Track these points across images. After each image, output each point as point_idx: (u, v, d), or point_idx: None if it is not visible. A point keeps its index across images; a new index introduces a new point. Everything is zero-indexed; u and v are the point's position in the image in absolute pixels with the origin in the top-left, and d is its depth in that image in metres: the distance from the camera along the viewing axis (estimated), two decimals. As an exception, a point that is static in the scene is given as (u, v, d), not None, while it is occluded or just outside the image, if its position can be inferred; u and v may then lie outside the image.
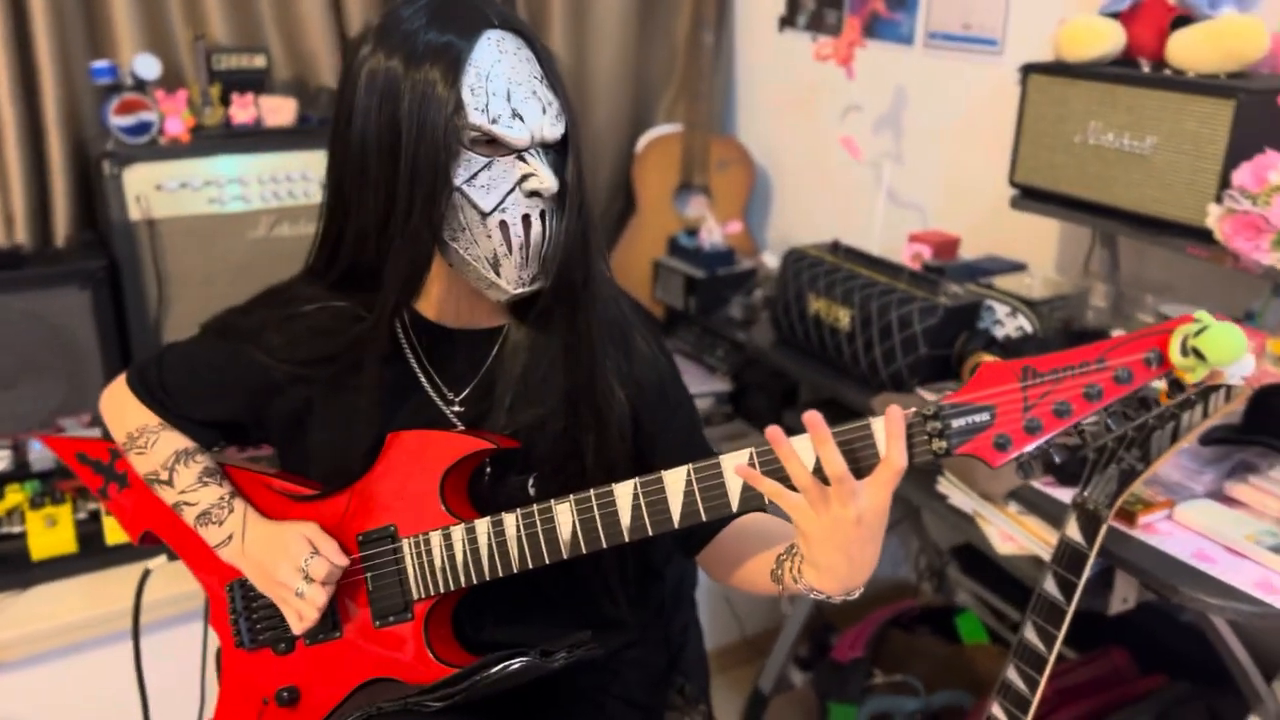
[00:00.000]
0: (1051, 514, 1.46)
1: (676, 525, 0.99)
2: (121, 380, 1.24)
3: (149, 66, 1.97)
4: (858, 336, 1.78)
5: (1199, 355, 0.83)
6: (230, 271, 2.04)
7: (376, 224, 1.03)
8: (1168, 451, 1.23)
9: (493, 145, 1.00)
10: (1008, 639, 2.11)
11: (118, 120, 1.94)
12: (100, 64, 1.94)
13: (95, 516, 1.81)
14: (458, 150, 0.99)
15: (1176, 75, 1.56)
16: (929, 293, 1.73)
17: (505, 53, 1.01)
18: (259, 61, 2.14)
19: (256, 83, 2.14)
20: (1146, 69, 1.62)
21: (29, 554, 1.75)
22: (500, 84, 0.99)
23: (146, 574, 1.30)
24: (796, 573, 0.99)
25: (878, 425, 0.92)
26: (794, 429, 0.95)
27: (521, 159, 1.01)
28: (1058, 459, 0.91)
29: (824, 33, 2.45)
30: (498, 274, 1.04)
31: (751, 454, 0.96)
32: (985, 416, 0.90)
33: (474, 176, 1.00)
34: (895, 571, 2.62)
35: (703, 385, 2.26)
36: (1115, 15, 1.66)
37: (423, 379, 1.14)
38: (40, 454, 1.89)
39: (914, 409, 0.93)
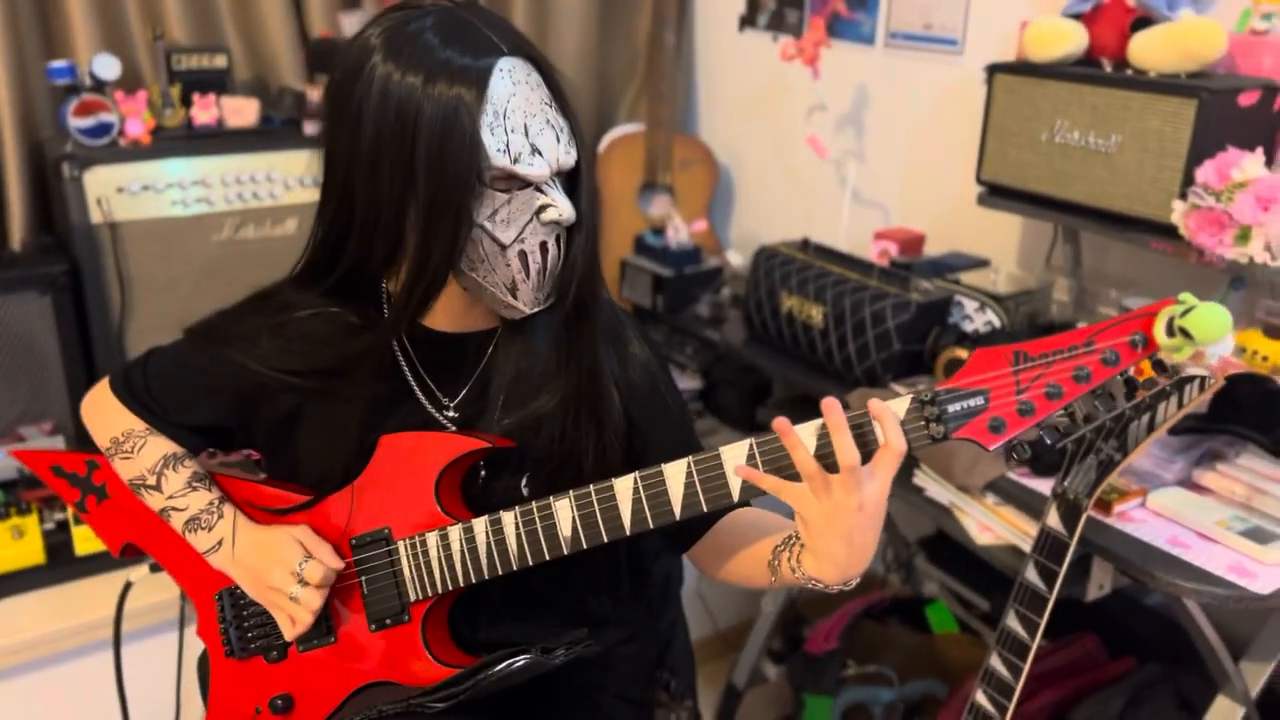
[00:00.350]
0: (1028, 504, 1.49)
1: (678, 517, 0.99)
2: (104, 385, 1.21)
3: (108, 67, 1.93)
4: (831, 333, 1.80)
5: (1186, 334, 0.86)
6: (194, 275, 2.01)
7: (385, 245, 1.02)
8: (1145, 441, 1.27)
9: (512, 180, 1.00)
10: (977, 628, 2.15)
11: (77, 122, 1.90)
12: (58, 64, 1.90)
13: (63, 527, 1.77)
14: (480, 190, 0.99)
15: (1139, 75, 1.60)
16: (900, 289, 1.76)
17: (518, 84, 0.99)
18: (220, 61, 2.11)
19: (218, 83, 2.11)
20: (1109, 69, 1.66)
21: (-5, 566, 1.71)
22: (517, 119, 0.98)
23: (128, 586, 1.28)
24: (795, 562, 1.00)
25: (875, 412, 0.93)
26: (765, 426, 0.97)
27: (539, 190, 1.01)
28: (1049, 440, 0.94)
29: (785, 32, 2.48)
30: (515, 297, 1.04)
31: (752, 445, 0.98)
32: (980, 401, 0.93)
33: (494, 213, 1.00)
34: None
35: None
36: (1077, 16, 1.70)
37: (415, 386, 1.14)
38: (4, 464, 1.85)
39: (911, 395, 0.95)
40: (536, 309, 1.06)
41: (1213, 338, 0.87)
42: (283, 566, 1.08)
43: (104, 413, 1.20)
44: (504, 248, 1.02)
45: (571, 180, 1.05)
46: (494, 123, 0.97)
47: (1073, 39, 1.67)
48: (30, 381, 1.90)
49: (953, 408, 0.93)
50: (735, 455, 0.99)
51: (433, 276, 1.02)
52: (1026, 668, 1.34)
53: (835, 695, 2.03)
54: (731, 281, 2.38)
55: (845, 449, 0.91)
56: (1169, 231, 1.54)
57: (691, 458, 0.99)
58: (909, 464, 1.66)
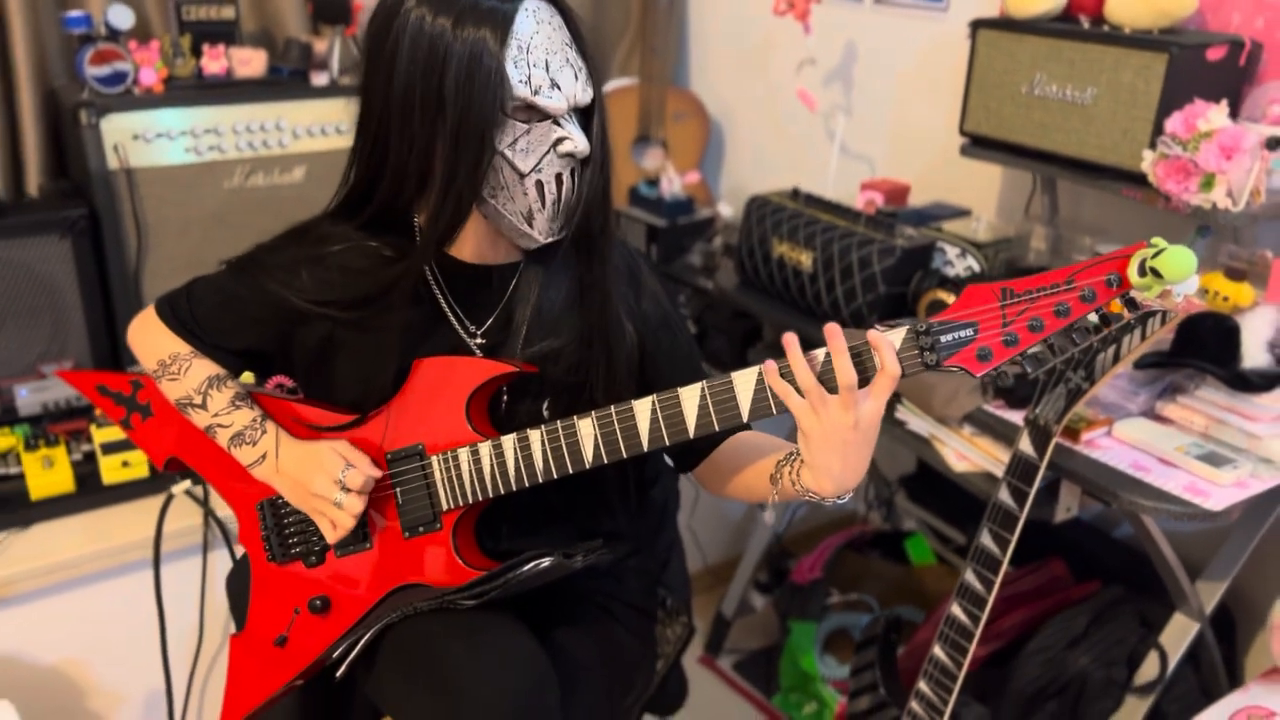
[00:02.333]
0: (1001, 434, 1.60)
1: (692, 435, 1.09)
2: (150, 311, 1.29)
3: (122, 16, 1.98)
4: (820, 277, 1.90)
5: (1156, 274, 0.96)
6: (207, 220, 2.08)
7: (416, 178, 1.11)
8: (1110, 371, 1.38)
9: (531, 111, 1.08)
10: (953, 560, 2.27)
11: (93, 70, 1.95)
12: (75, 14, 1.95)
13: (90, 458, 1.85)
14: (502, 120, 1.07)
15: (1115, 31, 1.69)
16: (885, 236, 1.85)
17: (541, 23, 1.07)
18: (228, 13, 2.16)
19: (226, 34, 2.16)
20: (1086, 25, 1.75)
21: (28, 494, 1.79)
22: (539, 55, 1.07)
23: (170, 498, 1.37)
24: (795, 476, 1.10)
25: (874, 339, 1.03)
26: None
27: (557, 123, 1.09)
28: (1029, 369, 1.04)
29: (776, -12, 2.54)
30: (530, 226, 1.13)
31: (759, 371, 1.07)
32: (969, 332, 1.02)
33: (514, 141, 1.08)
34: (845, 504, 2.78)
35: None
36: (1057, -26, 1.79)
37: (448, 311, 1.23)
38: (26, 399, 1.93)
39: (908, 326, 1.05)
40: (550, 239, 1.15)
41: (1179, 277, 0.97)
42: (325, 475, 1.17)
43: (151, 337, 1.28)
44: (522, 176, 1.10)
45: (587, 118, 1.13)
46: (518, 56, 1.06)
47: (1052, -4, 1.76)
48: (51, 321, 1.96)
49: (945, 338, 1.03)
50: (746, 380, 1.08)
51: (458, 200, 1.10)
52: (998, 581, 1.46)
53: (819, 621, 2.15)
54: (723, 231, 2.47)
55: (844, 370, 1.01)
56: (1139, 180, 1.63)
57: (705, 382, 1.09)
58: (891, 400, 1.77)
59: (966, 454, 1.64)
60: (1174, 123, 1.57)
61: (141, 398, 1.32)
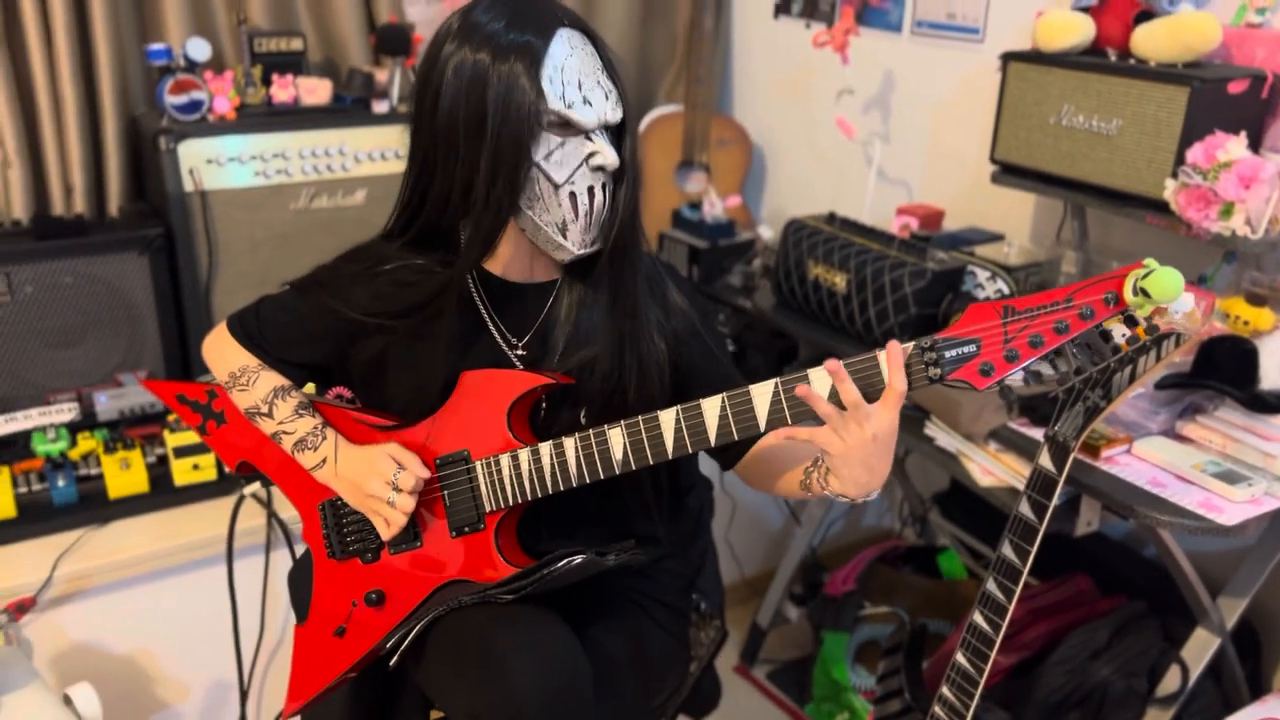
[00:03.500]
0: (1025, 450, 1.66)
1: (713, 444, 1.17)
2: (222, 327, 1.41)
3: (200, 49, 2.12)
4: (853, 298, 1.98)
5: (1145, 294, 1.03)
6: (274, 239, 2.21)
7: (460, 191, 1.21)
8: (1126, 390, 1.43)
9: (565, 127, 1.18)
10: (983, 575, 2.32)
11: (172, 99, 2.09)
12: (156, 47, 2.09)
13: (163, 461, 1.98)
14: (538, 131, 1.17)
15: (1140, 65, 1.76)
16: (917, 259, 1.93)
17: (575, 48, 1.18)
18: (296, 45, 2.30)
19: (294, 64, 2.29)
20: (1113, 58, 1.82)
21: (107, 493, 1.92)
22: (572, 75, 1.17)
23: (241, 499, 1.48)
24: (824, 481, 1.19)
25: (882, 357, 1.11)
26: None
27: (589, 139, 1.19)
28: (1031, 383, 1.11)
29: (817, 19, 2.64)
30: (565, 237, 1.22)
31: (777, 384, 1.15)
32: (972, 348, 1.10)
33: (550, 154, 1.18)
34: (880, 521, 2.84)
35: (707, 347, 2.45)
36: (1086, 9, 1.86)
37: (490, 326, 1.32)
38: (105, 405, 2.06)
39: (914, 342, 1.12)
40: (584, 250, 1.24)
41: (1167, 297, 1.04)
42: (379, 477, 1.27)
43: (222, 351, 1.40)
44: (557, 187, 1.19)
45: (618, 137, 1.23)
46: (553, 75, 1.16)
47: (1080, 30, 1.83)
48: (128, 333, 2.10)
49: (949, 353, 1.10)
50: (763, 392, 1.16)
51: (498, 207, 1.20)
52: (1018, 590, 1.52)
53: (851, 632, 2.21)
54: (762, 253, 2.55)
55: (848, 392, 1.10)
56: (1162, 207, 1.69)
57: (725, 394, 1.17)
58: (921, 416, 1.84)
59: (992, 469, 1.70)
60: (1194, 153, 1.63)
61: (216, 406, 1.44)
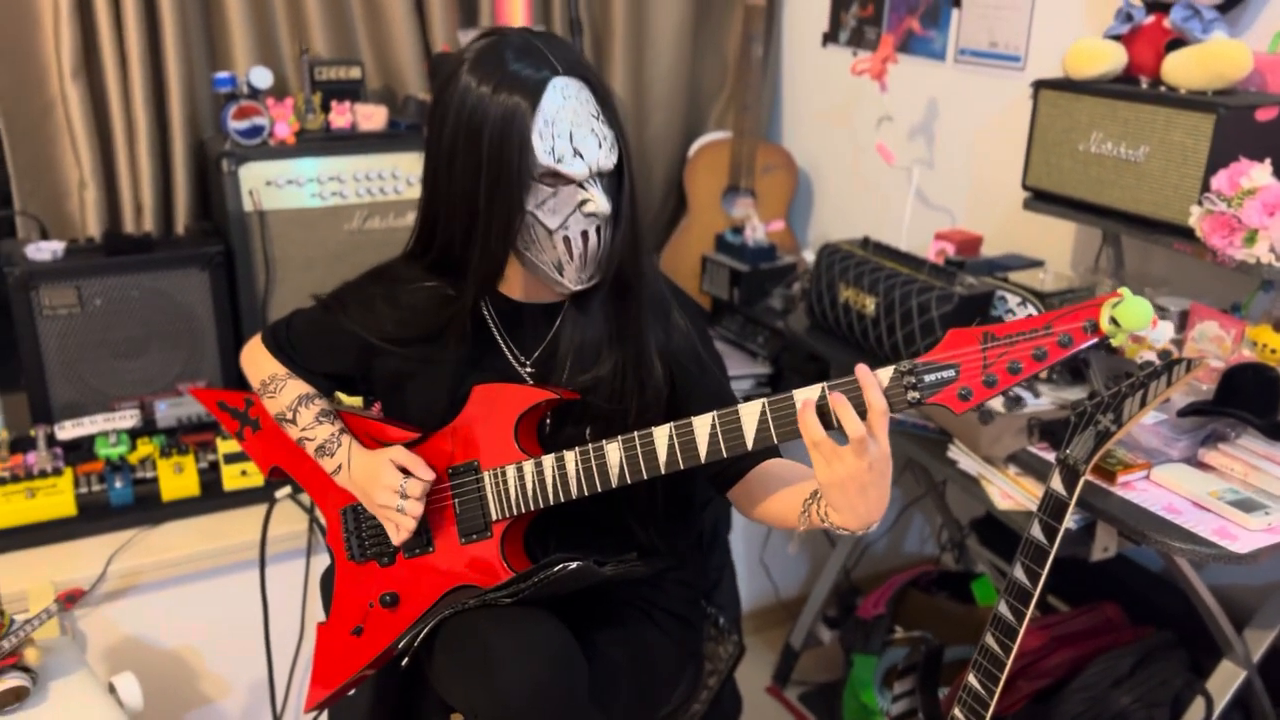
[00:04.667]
0: (1044, 474, 1.66)
1: (703, 460, 1.21)
2: (258, 338, 1.51)
3: (262, 77, 2.24)
4: (882, 321, 2.00)
5: (1115, 323, 1.05)
6: (328, 258, 2.31)
7: (462, 233, 1.28)
8: (1137, 415, 1.44)
9: (557, 177, 1.23)
10: (1020, 604, 2.30)
11: (235, 124, 2.21)
12: (222, 75, 2.22)
13: (214, 466, 2.08)
14: (529, 184, 1.23)
15: (1170, 92, 1.76)
16: (946, 283, 1.94)
17: (568, 98, 1.22)
18: (355, 73, 2.41)
19: (352, 92, 2.40)
20: (1145, 86, 1.82)
21: (160, 496, 2.03)
22: (564, 127, 1.22)
23: (274, 502, 1.56)
24: (823, 513, 1.20)
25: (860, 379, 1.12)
26: (825, 409, 1.14)
27: (581, 187, 1.24)
28: (1007, 409, 1.12)
29: (864, 48, 2.67)
30: (561, 275, 1.28)
31: (764, 404, 1.17)
32: (951, 373, 1.11)
33: (543, 203, 1.24)
34: (922, 548, 2.83)
35: (744, 369, 2.49)
36: (1118, 37, 1.87)
37: (501, 343, 1.39)
38: (164, 413, 2.18)
39: (894, 366, 1.14)
40: (580, 287, 1.30)
41: (1134, 326, 1.05)
42: (385, 488, 1.34)
43: (256, 360, 1.50)
44: (551, 232, 1.25)
45: (616, 181, 1.28)
46: (543, 129, 1.21)
47: (1110, 58, 1.84)
48: (188, 345, 2.22)
49: (928, 378, 1.11)
50: (750, 412, 1.19)
51: (493, 253, 1.26)
52: (1028, 613, 1.52)
53: (880, 655, 2.21)
54: (803, 277, 2.58)
55: (852, 425, 1.10)
56: (1189, 234, 1.69)
57: (716, 412, 1.20)
58: (944, 439, 1.85)
59: (1011, 493, 1.71)
60: (1219, 180, 1.63)
61: (252, 413, 1.53)
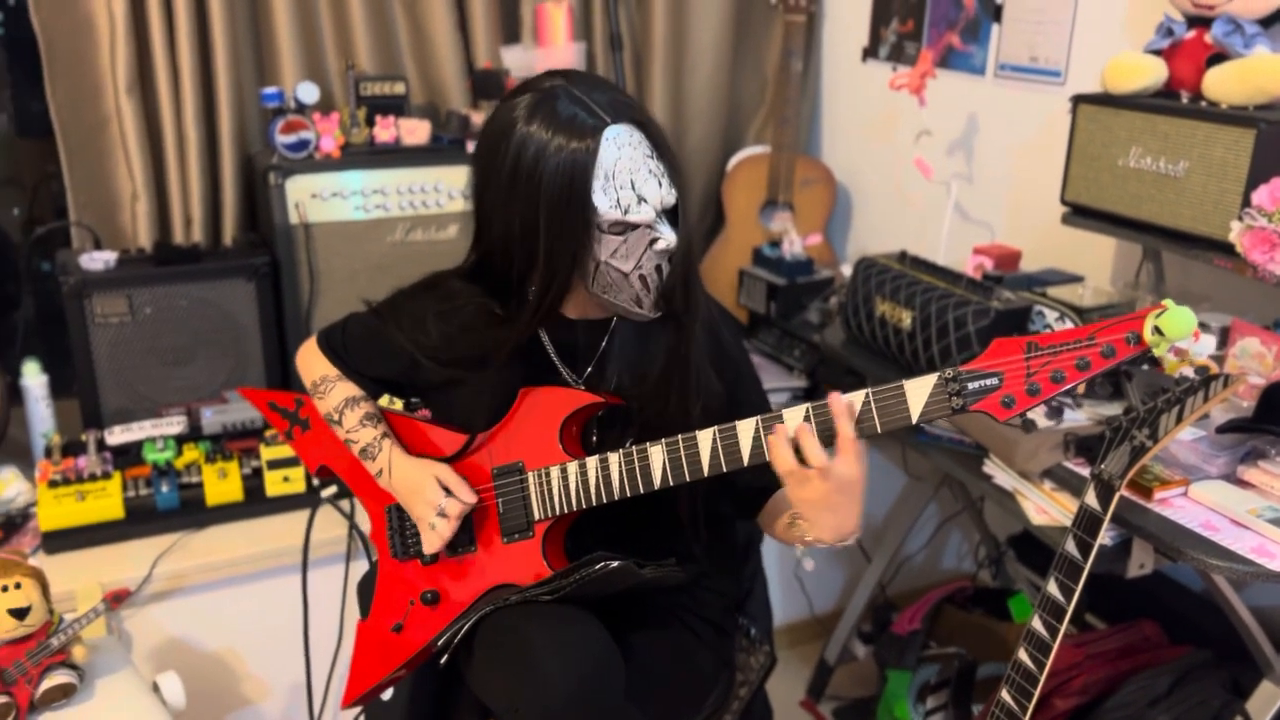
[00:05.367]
0: (1079, 489, 1.64)
1: (746, 463, 1.23)
2: (313, 340, 1.56)
3: (309, 92, 2.29)
4: (918, 335, 2.00)
5: (1159, 333, 1.05)
6: (371, 270, 2.35)
7: (518, 272, 1.31)
8: (1173, 431, 1.43)
9: (626, 225, 1.26)
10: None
11: (282, 138, 2.26)
12: (270, 90, 2.27)
13: (257, 472, 2.12)
14: (599, 237, 1.26)
15: (1211, 107, 1.75)
16: (983, 298, 1.94)
17: (622, 147, 1.25)
18: (399, 88, 2.46)
19: (396, 107, 2.45)
20: (1186, 100, 1.81)
21: (205, 500, 2.08)
22: (624, 177, 1.25)
23: (317, 505, 1.60)
24: (801, 531, 1.27)
25: (834, 403, 1.17)
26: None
27: (650, 227, 1.28)
28: (1050, 420, 1.13)
29: (904, 63, 2.67)
30: (640, 307, 1.32)
31: (757, 422, 1.23)
32: (994, 381, 1.13)
33: (614, 252, 1.28)
34: (960, 564, 2.81)
35: (780, 382, 2.49)
36: (1158, 52, 1.86)
37: (554, 357, 1.42)
38: (210, 420, 2.23)
39: (938, 374, 1.16)
40: (658, 313, 1.34)
41: (1178, 335, 1.06)
42: (424, 503, 1.38)
43: (310, 362, 1.54)
44: (626, 274, 1.29)
45: (674, 212, 1.31)
46: (605, 184, 1.24)
47: (1150, 73, 1.83)
48: (234, 354, 2.27)
49: (971, 385, 1.14)
50: (795, 416, 1.22)
51: (552, 298, 1.30)
52: (1062, 629, 1.51)
53: (914, 671, 2.20)
54: (840, 291, 2.58)
55: (813, 453, 1.17)
56: (1229, 249, 1.68)
57: (760, 417, 1.24)
58: (980, 453, 1.84)
59: (1046, 508, 1.70)
60: (1260, 195, 1.61)
61: (302, 414, 1.57)
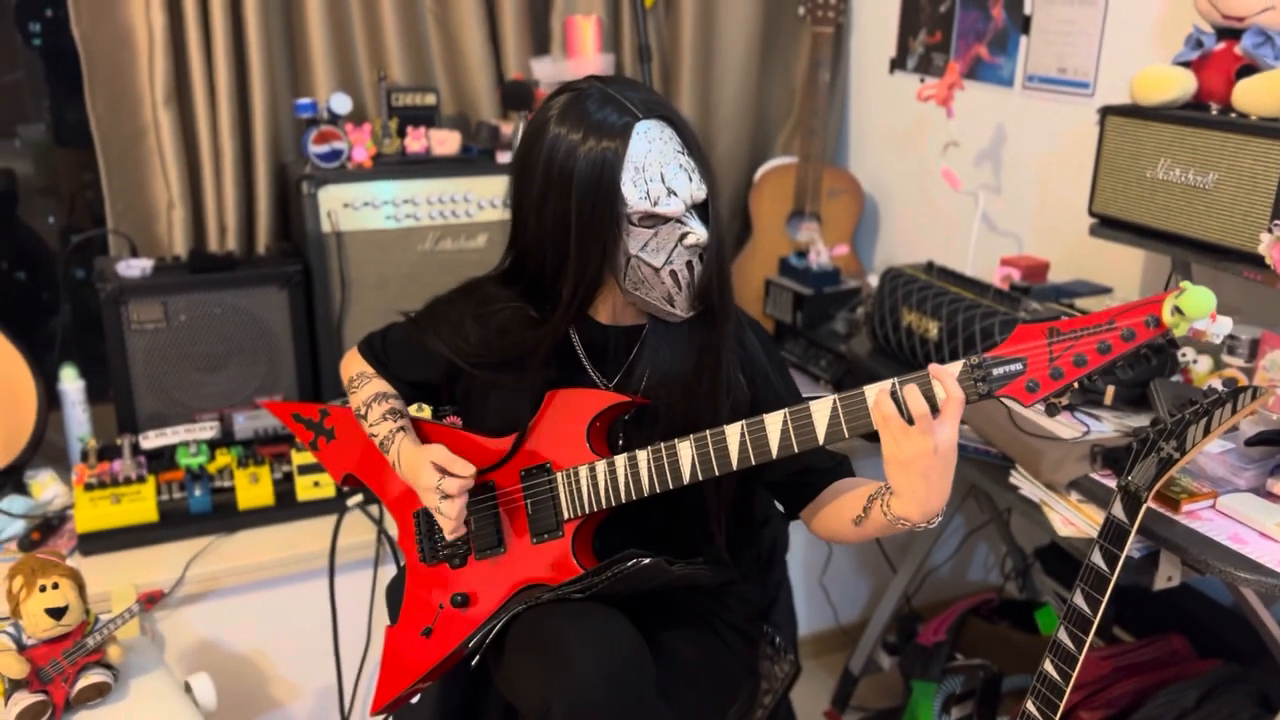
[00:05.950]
0: (1106, 501, 1.64)
1: (775, 455, 1.24)
2: (356, 348, 1.59)
3: (342, 103, 2.33)
4: (944, 345, 2.00)
5: (1180, 312, 1.06)
6: (401, 278, 2.38)
7: (551, 272, 1.34)
8: (1201, 443, 1.43)
9: (655, 218, 1.29)
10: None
11: (315, 148, 2.30)
12: (303, 101, 2.31)
13: (288, 477, 2.15)
14: (629, 230, 1.28)
15: (1240, 118, 1.74)
16: (1009, 308, 1.94)
17: (653, 140, 1.28)
18: (430, 99, 2.49)
19: (427, 117, 2.48)
20: (1215, 112, 1.81)
21: (237, 504, 2.11)
22: (654, 170, 1.27)
23: (345, 510, 1.62)
24: (885, 506, 1.25)
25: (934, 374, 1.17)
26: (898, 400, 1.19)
27: (679, 221, 1.30)
28: (1069, 403, 1.14)
29: (931, 74, 2.68)
30: (673, 306, 1.34)
31: (835, 400, 1.22)
32: (1018, 366, 1.15)
33: (645, 245, 1.30)
34: (986, 577, 2.80)
35: (806, 392, 2.49)
36: (1187, 64, 1.86)
37: (585, 362, 1.44)
38: (242, 425, 2.26)
39: (964, 361, 1.17)
40: (691, 313, 1.36)
41: (1198, 313, 1.07)
42: (424, 488, 1.39)
43: (350, 363, 1.59)
44: (657, 270, 1.31)
45: (703, 208, 1.32)
46: (635, 176, 1.26)
47: (1179, 84, 1.83)
48: (266, 361, 2.30)
49: (996, 371, 1.16)
50: (822, 406, 1.23)
51: (584, 294, 1.33)
52: (1088, 640, 1.51)
53: (939, 682, 2.20)
54: (867, 301, 2.59)
55: (915, 402, 1.16)
56: (1259, 261, 1.67)
57: (787, 409, 1.24)
58: (1006, 464, 1.84)
59: (1073, 520, 1.69)
60: (1289, 207, 1.61)
61: (327, 424, 1.59)
